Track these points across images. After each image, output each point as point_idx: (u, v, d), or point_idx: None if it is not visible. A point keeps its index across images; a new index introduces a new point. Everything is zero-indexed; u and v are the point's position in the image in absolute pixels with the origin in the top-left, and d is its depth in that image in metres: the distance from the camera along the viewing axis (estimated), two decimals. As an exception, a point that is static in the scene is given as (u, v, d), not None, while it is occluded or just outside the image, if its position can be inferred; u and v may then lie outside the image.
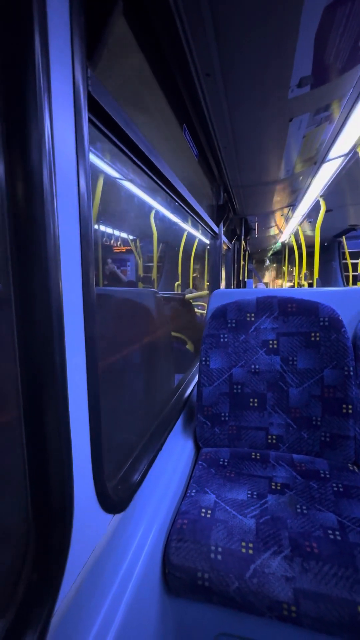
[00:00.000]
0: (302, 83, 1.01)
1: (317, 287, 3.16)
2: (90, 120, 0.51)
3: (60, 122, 0.38)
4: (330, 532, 0.69)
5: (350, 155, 1.96)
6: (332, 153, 1.90)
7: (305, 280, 5.63)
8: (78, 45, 0.40)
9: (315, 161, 2.00)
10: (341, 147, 1.81)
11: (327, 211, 3.26)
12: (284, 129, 1.34)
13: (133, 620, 0.55)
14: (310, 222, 4.31)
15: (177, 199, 1.10)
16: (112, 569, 0.57)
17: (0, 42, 0.33)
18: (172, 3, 0.70)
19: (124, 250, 6.62)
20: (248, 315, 1.05)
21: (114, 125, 0.57)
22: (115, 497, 0.56)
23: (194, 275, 6.55)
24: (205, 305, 3.72)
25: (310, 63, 0.92)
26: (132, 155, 0.70)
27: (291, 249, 6.97)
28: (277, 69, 0.94)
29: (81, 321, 0.44)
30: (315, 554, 0.64)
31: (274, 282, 10.83)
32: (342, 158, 2.01)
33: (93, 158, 1.80)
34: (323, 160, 2.00)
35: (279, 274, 10.47)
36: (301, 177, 2.28)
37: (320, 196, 2.95)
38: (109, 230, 5.03)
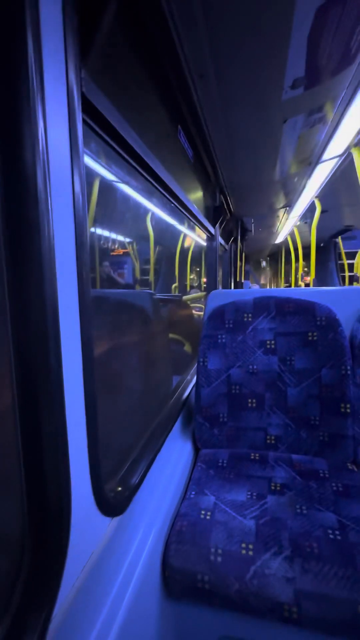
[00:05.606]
0: (295, 84, 1.02)
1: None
2: (84, 121, 0.51)
3: (54, 123, 0.38)
4: (330, 531, 0.69)
5: (344, 157, 1.98)
6: (327, 154, 1.91)
7: (301, 280, 5.66)
8: (71, 46, 0.40)
9: (310, 162, 2.01)
10: (335, 148, 1.83)
11: (322, 212, 3.28)
12: (279, 130, 1.35)
13: (133, 624, 0.55)
14: (306, 223, 4.33)
15: (173, 201, 1.10)
16: (111, 573, 0.56)
17: None
18: (165, 4, 0.70)
19: (121, 252, 6.63)
20: (245, 315, 1.05)
21: (108, 126, 0.57)
22: (113, 499, 0.56)
23: (191, 277, 6.56)
24: (203, 306, 3.72)
25: (303, 64, 0.93)
26: (127, 157, 0.70)
27: (287, 250, 7.01)
28: (270, 71, 0.94)
29: (77, 324, 0.43)
30: (316, 554, 0.64)
31: (271, 284, 10.87)
32: (336, 159, 2.02)
33: (88, 161, 1.80)
34: (318, 161, 2.01)
35: (276, 275, 10.51)
36: (296, 178, 2.29)
37: (316, 197, 2.97)
38: (106, 233, 5.04)
